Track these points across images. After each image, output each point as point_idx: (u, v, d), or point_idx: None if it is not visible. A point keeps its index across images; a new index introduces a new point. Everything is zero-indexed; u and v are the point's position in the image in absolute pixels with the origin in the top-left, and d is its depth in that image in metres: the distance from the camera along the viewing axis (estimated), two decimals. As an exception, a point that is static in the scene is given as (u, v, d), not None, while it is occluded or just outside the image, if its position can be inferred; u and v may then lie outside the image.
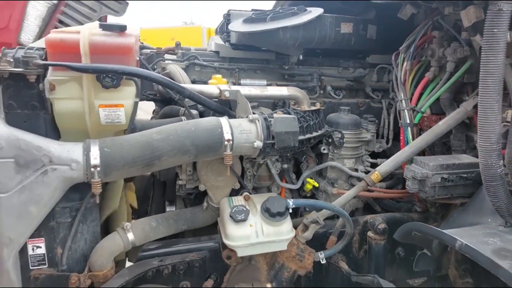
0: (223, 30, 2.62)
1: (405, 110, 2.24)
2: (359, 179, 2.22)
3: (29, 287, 1.71)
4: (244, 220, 1.78)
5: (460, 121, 2.11)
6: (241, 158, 2.10)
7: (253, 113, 1.87)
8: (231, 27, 2.43)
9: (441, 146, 2.32)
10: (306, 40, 2.33)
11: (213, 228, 2.13)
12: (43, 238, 1.70)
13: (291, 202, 1.84)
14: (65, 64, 1.52)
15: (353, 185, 2.25)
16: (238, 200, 1.93)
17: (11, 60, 1.52)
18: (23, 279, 1.69)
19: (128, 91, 1.66)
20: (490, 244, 1.43)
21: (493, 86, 1.45)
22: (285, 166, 2.28)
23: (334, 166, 2.34)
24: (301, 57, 2.61)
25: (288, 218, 1.85)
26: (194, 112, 2.03)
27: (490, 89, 1.46)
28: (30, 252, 1.69)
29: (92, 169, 1.56)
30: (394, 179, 2.45)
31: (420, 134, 2.17)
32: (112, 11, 3.18)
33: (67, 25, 3.05)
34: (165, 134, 1.68)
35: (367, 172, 2.25)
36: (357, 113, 2.53)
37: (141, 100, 1.73)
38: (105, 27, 1.61)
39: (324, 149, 2.34)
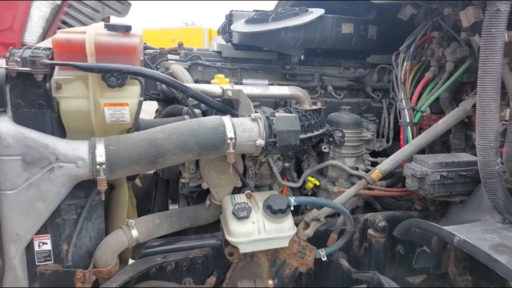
0: (225, 30, 2.64)
1: (405, 109, 2.27)
2: (360, 177, 2.25)
3: (35, 282, 1.74)
4: (246, 217, 1.81)
5: (459, 120, 2.14)
6: (243, 156, 2.12)
7: (255, 112, 1.89)
8: (234, 27, 2.46)
9: (441, 145, 2.35)
10: (307, 40, 2.36)
11: (215, 226, 2.14)
12: (49, 235, 1.73)
13: (292, 200, 1.86)
14: (72, 64, 1.54)
15: (353, 184, 2.27)
16: (241, 197, 1.95)
17: (19, 59, 1.54)
18: (29, 274, 1.72)
19: (133, 90, 1.68)
20: (488, 240, 1.45)
21: (491, 85, 1.48)
22: (287, 164, 2.31)
23: (335, 165, 2.37)
24: (302, 57, 2.64)
25: (290, 216, 1.88)
26: (197, 111, 2.06)
27: (488, 87, 1.48)
28: (36, 248, 1.72)
29: (97, 166, 1.59)
30: (394, 177, 2.47)
31: (420, 133, 2.20)
32: (115, 11, 3.21)
33: (70, 25, 3.08)
34: (169, 132, 1.70)
35: (367, 171, 2.28)
36: (357, 112, 2.55)
37: (144, 100, 1.75)
38: (110, 27, 1.64)
39: (325, 148, 2.36)
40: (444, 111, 2.26)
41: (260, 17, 2.39)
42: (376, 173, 2.07)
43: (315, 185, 2.38)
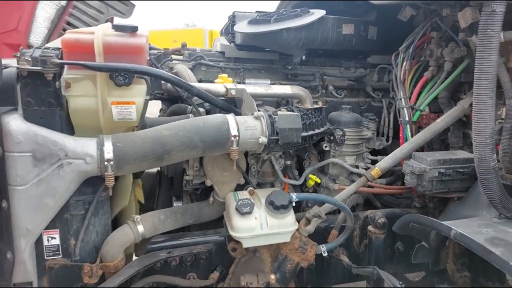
0: (228, 31, 2.69)
1: (404, 108, 2.31)
2: (360, 175, 2.29)
3: (44, 276, 1.78)
4: (249, 212, 1.85)
5: (457, 118, 2.17)
6: (246, 154, 2.17)
7: (258, 111, 1.94)
8: (236, 28, 2.50)
9: (439, 143, 2.39)
10: (308, 41, 2.39)
11: (218, 223, 2.18)
12: (57, 230, 1.77)
13: (294, 196, 1.90)
14: (81, 63, 1.59)
15: (354, 181, 2.30)
16: (243, 194, 1.99)
17: (29, 59, 1.59)
18: (38, 268, 1.76)
19: (139, 89, 1.73)
20: (484, 234, 1.50)
21: (487, 83, 1.52)
22: (288, 162, 2.35)
23: (335, 163, 2.41)
24: (304, 57, 2.68)
25: (291, 211, 1.92)
26: (201, 110, 2.10)
27: (484, 86, 1.53)
28: (45, 242, 1.76)
29: (105, 163, 1.64)
30: (394, 175, 2.50)
31: (418, 132, 2.23)
32: (119, 13, 3.26)
33: (75, 26, 3.12)
34: (174, 130, 1.75)
35: (367, 169, 2.31)
36: (358, 112, 2.58)
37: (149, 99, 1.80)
38: (118, 28, 1.68)
39: (326, 147, 2.40)
40: (442, 110, 2.30)
41: (263, 18, 2.43)
42: (376, 170, 2.11)
43: (316, 182, 2.42)
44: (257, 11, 2.73)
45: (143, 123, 1.84)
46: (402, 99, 2.33)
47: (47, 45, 1.77)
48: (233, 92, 2.06)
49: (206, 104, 2.17)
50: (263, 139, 1.85)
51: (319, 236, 2.12)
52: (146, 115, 1.88)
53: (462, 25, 1.87)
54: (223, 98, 2.09)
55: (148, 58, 1.94)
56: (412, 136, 2.25)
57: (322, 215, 2.00)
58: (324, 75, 2.67)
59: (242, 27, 2.49)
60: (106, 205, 1.89)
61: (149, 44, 2.64)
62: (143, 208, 2.44)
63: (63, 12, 3.18)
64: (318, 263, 2.21)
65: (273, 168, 2.31)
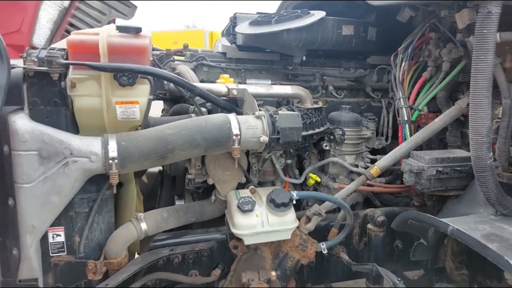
0: (229, 32, 2.72)
1: (403, 108, 2.34)
2: (360, 174, 2.32)
3: (49, 272, 1.81)
4: (250, 210, 1.88)
5: (455, 118, 2.21)
6: (247, 153, 2.19)
7: (259, 110, 1.97)
8: (238, 29, 2.53)
9: (438, 142, 2.43)
10: (309, 42, 2.43)
11: (220, 221, 2.21)
12: (62, 227, 1.79)
13: (294, 194, 1.93)
14: (86, 63, 1.62)
15: (353, 180, 2.32)
16: (245, 192, 2.01)
17: (35, 59, 1.62)
18: (43, 265, 1.78)
19: (143, 89, 1.76)
20: (480, 230, 1.53)
21: (483, 83, 1.55)
22: (289, 161, 2.37)
23: (335, 162, 2.44)
24: (304, 58, 2.70)
25: (292, 209, 1.95)
26: (203, 110, 2.13)
27: (480, 86, 1.56)
28: (50, 239, 1.78)
29: (110, 161, 1.67)
30: (393, 174, 2.53)
31: (417, 131, 2.27)
32: (121, 14, 3.29)
33: (77, 28, 3.15)
34: (177, 129, 1.78)
35: (367, 168, 2.34)
36: (357, 111, 2.61)
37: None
38: (122, 29, 1.71)
39: (326, 146, 2.43)
40: (440, 109, 2.34)
41: (263, 19, 2.46)
42: (375, 169, 2.14)
43: (316, 181, 2.44)
44: (258, 13, 2.75)
45: (146, 123, 1.86)
46: (401, 99, 2.36)
47: (52, 46, 1.81)
48: (234, 92, 2.09)
49: (208, 104, 2.19)
50: (264, 138, 1.88)
51: (319, 234, 2.15)
52: (149, 115, 1.91)
53: (460, 26, 1.89)
54: (225, 98, 2.12)
55: (151, 58, 1.97)
56: (410, 135, 2.28)
57: (322, 213, 2.02)
58: (324, 75, 2.69)
59: (243, 28, 2.52)
60: (110, 203, 1.92)
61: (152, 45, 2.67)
62: (145, 207, 2.47)
63: (66, 14, 3.21)
64: (318, 261, 2.24)
65: (274, 167, 2.33)
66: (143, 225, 1.93)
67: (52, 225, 1.76)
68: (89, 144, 1.69)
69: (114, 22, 3.22)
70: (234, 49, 2.65)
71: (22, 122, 1.62)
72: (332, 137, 2.37)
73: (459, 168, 2.00)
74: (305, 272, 2.29)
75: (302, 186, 2.51)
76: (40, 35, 3.19)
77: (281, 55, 2.67)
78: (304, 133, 2.02)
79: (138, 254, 2.20)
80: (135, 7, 3.32)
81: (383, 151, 2.53)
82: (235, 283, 2.08)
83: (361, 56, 2.86)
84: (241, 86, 2.14)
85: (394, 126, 2.60)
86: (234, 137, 1.83)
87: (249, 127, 1.88)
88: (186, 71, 2.31)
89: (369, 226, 2.26)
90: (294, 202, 1.95)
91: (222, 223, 2.18)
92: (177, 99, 2.41)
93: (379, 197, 2.57)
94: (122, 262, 1.89)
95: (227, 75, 2.33)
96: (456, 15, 1.90)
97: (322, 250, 2.08)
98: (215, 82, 2.27)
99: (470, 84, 1.60)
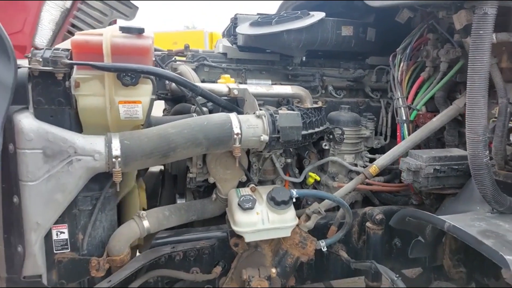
0: (230, 33, 2.74)
1: (402, 108, 2.36)
2: (359, 173, 2.34)
3: (53, 269, 1.83)
4: (251, 208, 1.91)
5: (452, 117, 2.24)
6: (248, 152, 2.22)
7: (260, 110, 2.00)
8: (238, 30, 2.55)
9: (436, 141, 2.45)
10: (309, 42, 2.45)
11: (221, 219, 2.23)
12: (66, 224, 1.82)
13: (294, 192, 1.96)
14: (90, 63, 1.66)
15: (352, 179, 2.36)
16: (245, 191, 2.04)
17: (40, 59, 1.65)
18: (47, 262, 1.81)
19: (146, 89, 1.79)
20: (477, 227, 1.56)
21: (480, 83, 1.58)
22: (289, 160, 2.40)
23: (335, 161, 2.46)
24: (304, 58, 2.73)
25: (292, 207, 1.97)
26: (204, 109, 2.16)
27: (477, 85, 1.59)
28: (54, 237, 1.81)
29: (113, 159, 1.70)
30: (392, 174, 2.56)
31: (415, 130, 2.29)
32: (122, 15, 3.31)
33: (79, 28, 3.17)
34: (179, 128, 1.81)
35: (366, 167, 2.37)
36: (357, 111, 2.63)
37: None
38: (125, 29, 1.74)
39: (325, 145, 2.45)
40: (438, 109, 2.36)
41: (264, 20, 2.48)
42: (373, 168, 2.17)
43: (316, 180, 2.47)
44: (258, 14, 2.78)
45: (148, 122, 1.89)
46: (400, 99, 2.39)
47: (56, 46, 1.83)
48: (235, 92, 2.12)
49: (209, 104, 2.22)
50: (265, 137, 1.91)
51: (319, 232, 2.17)
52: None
53: (457, 27, 1.92)
54: (226, 97, 2.14)
55: (154, 59, 2.00)
56: (409, 134, 2.30)
57: (321, 211, 2.06)
58: (323, 75, 2.71)
59: (244, 29, 2.54)
60: (113, 201, 1.95)
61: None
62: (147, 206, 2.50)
63: (68, 14, 3.24)
64: (318, 259, 2.26)
65: (274, 166, 2.36)
66: (145, 223, 1.96)
67: (56, 222, 1.79)
68: (93, 143, 1.72)
69: (115, 23, 3.26)
70: (234, 49, 2.67)
71: (27, 121, 1.65)
72: (331, 136, 2.39)
73: (456, 167, 2.02)
74: (304, 269, 2.31)
75: (302, 185, 2.53)
76: (42, 36, 3.22)
77: (281, 56, 2.69)
78: (304, 132, 2.05)
79: (139, 252, 2.23)
80: (136, 8, 3.35)
81: (382, 150, 2.55)
82: (236, 280, 2.11)
83: (360, 57, 2.88)
84: (242, 86, 2.17)
85: (392, 125, 2.63)
86: (235, 136, 1.86)
87: (250, 126, 1.91)
88: (187, 71, 2.34)
89: (368, 224, 2.28)
90: (294, 200, 1.98)
91: (223, 221, 2.20)
92: (178, 99, 2.43)
93: (377, 196, 2.60)
94: (125, 259, 1.91)
95: (228, 75, 2.36)
96: (454, 16, 1.92)
97: (322, 248, 2.10)
98: (216, 82, 2.30)
99: (467, 84, 1.63)
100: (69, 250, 1.85)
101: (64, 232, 1.83)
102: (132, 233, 1.94)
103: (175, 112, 2.32)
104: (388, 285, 2.05)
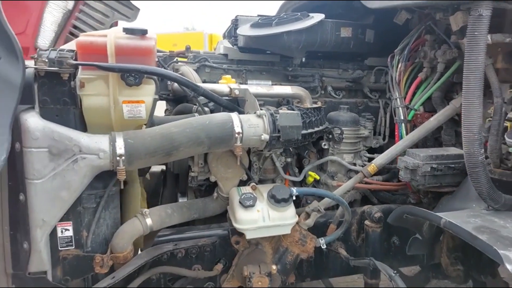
0: (231, 34, 2.78)
1: (400, 108, 2.40)
2: (357, 172, 2.36)
3: (58, 265, 1.87)
4: (252, 205, 1.94)
5: (449, 117, 2.27)
6: (248, 152, 2.25)
7: (261, 109, 2.03)
8: (239, 31, 2.59)
9: (433, 141, 2.49)
10: (308, 44, 2.49)
11: (222, 217, 2.26)
12: (71, 222, 1.85)
13: (294, 190, 1.99)
14: (95, 64, 1.69)
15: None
16: (246, 189, 2.07)
17: (46, 60, 1.68)
18: (52, 258, 1.84)
19: (149, 89, 1.83)
20: (472, 223, 1.59)
21: (475, 83, 1.62)
22: (289, 160, 2.44)
23: (334, 160, 2.50)
24: (303, 59, 2.76)
25: (292, 205, 2.00)
26: (206, 109, 2.20)
27: (472, 85, 1.63)
28: (59, 234, 1.84)
29: (117, 158, 1.73)
30: (390, 173, 2.58)
31: (413, 130, 2.32)
32: (124, 17, 3.33)
33: (81, 30, 3.20)
34: (182, 127, 1.84)
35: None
36: (355, 112, 2.66)
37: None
38: (128, 31, 1.77)
39: (324, 145, 2.49)
40: (436, 109, 2.40)
41: (264, 21, 2.52)
42: (372, 166, 2.21)
43: (315, 179, 2.50)
44: (258, 15, 2.82)
45: (151, 121, 1.92)
46: (398, 99, 2.43)
47: (61, 47, 1.87)
48: (236, 92, 2.15)
49: (211, 104, 2.26)
50: (265, 136, 1.94)
51: (318, 230, 2.20)
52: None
53: (454, 28, 1.95)
54: (227, 97, 2.18)
55: (156, 59, 2.04)
56: (407, 134, 2.34)
57: (321, 210, 2.08)
58: (323, 76, 2.75)
59: (244, 30, 2.58)
60: (116, 199, 1.98)
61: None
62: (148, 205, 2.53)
63: (70, 16, 3.26)
64: (317, 256, 2.28)
65: (274, 165, 2.39)
66: (148, 221, 1.98)
67: (61, 220, 1.82)
68: (97, 142, 1.75)
69: (116, 25, 3.29)
70: (235, 50, 2.71)
71: (33, 120, 1.68)
72: (330, 136, 2.43)
73: (453, 165, 2.06)
74: (304, 267, 2.34)
75: (302, 184, 2.55)
76: (45, 37, 3.24)
77: (281, 57, 2.72)
78: (304, 131, 2.08)
79: (141, 250, 2.26)
80: (138, 9, 3.37)
81: (381, 150, 2.58)
82: (237, 277, 2.13)
83: (359, 58, 2.91)
84: (243, 86, 2.21)
85: (391, 125, 2.66)
86: (237, 135, 1.90)
87: (251, 125, 1.94)
88: (189, 72, 2.37)
89: (367, 222, 2.31)
90: (294, 198, 2.01)
91: (224, 220, 2.23)
92: (179, 99, 2.47)
93: (376, 194, 2.63)
94: (128, 256, 1.94)
95: (229, 76, 2.39)
96: (451, 18, 1.96)
97: (321, 245, 2.13)
98: (217, 83, 2.34)
99: (463, 84, 1.66)
100: (73, 247, 1.88)
101: (68, 230, 1.86)
102: (135, 231, 1.97)
103: (177, 112, 2.36)
104: (387, 283, 2.08)
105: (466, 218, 1.65)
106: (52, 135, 1.70)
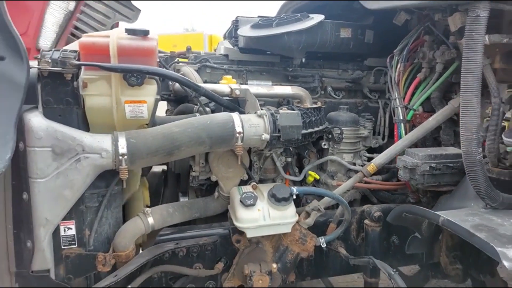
0: (231, 35, 2.80)
1: (399, 108, 2.42)
2: (357, 172, 2.38)
3: (60, 264, 1.88)
4: (252, 204, 1.96)
5: (448, 117, 2.29)
6: (249, 151, 2.27)
7: (261, 109, 2.05)
8: (240, 32, 2.61)
9: (432, 141, 2.50)
10: (308, 44, 2.51)
11: (223, 217, 2.28)
12: (73, 221, 1.87)
13: (294, 189, 2.01)
14: (97, 64, 1.71)
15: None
16: (247, 188, 2.08)
17: (49, 60, 1.70)
18: (55, 257, 1.86)
19: (151, 89, 1.84)
20: (470, 221, 1.61)
21: (473, 83, 1.64)
22: (289, 159, 2.45)
23: (334, 160, 2.51)
24: (303, 60, 2.78)
25: (292, 204, 2.02)
26: (207, 109, 2.21)
27: (470, 85, 1.65)
28: (62, 233, 1.86)
29: (120, 157, 1.75)
30: (390, 172, 2.60)
31: (412, 130, 2.34)
32: (125, 18, 3.35)
33: (83, 31, 3.21)
34: (183, 127, 1.86)
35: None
36: (355, 112, 2.67)
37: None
38: (131, 31, 1.79)
39: (324, 145, 2.50)
40: (434, 109, 2.42)
41: (265, 22, 2.54)
42: (371, 166, 2.23)
43: (315, 179, 2.52)
44: (259, 16, 2.83)
45: (153, 121, 1.94)
46: (397, 99, 2.45)
47: (64, 48, 1.89)
48: (237, 92, 2.17)
49: (212, 104, 2.27)
50: (266, 136, 1.96)
51: (318, 229, 2.21)
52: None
53: (452, 29, 1.97)
54: (228, 98, 2.20)
55: (158, 60, 2.06)
56: (406, 134, 2.36)
57: (321, 209, 2.10)
58: (323, 76, 2.76)
59: (245, 31, 2.60)
60: (118, 198, 2.00)
61: (157, 47, 2.75)
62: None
63: (71, 17, 3.27)
64: (317, 255, 2.30)
65: (274, 165, 2.41)
66: (150, 220, 2.00)
67: (64, 218, 1.83)
68: (100, 141, 1.77)
69: (117, 26, 3.31)
70: (236, 51, 2.73)
71: (36, 120, 1.70)
72: (330, 136, 2.45)
73: (452, 165, 2.08)
74: (304, 266, 2.35)
75: (302, 184, 2.56)
76: (46, 38, 3.25)
77: (282, 57, 2.74)
78: (304, 131, 2.10)
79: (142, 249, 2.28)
80: (139, 10, 3.38)
81: (380, 149, 2.58)
82: (238, 276, 2.15)
83: (359, 58, 2.93)
84: (244, 87, 2.22)
85: (390, 125, 2.67)
86: (237, 134, 1.91)
87: (252, 125, 1.96)
88: (190, 72, 2.39)
89: (366, 221, 2.32)
90: (294, 197, 2.03)
91: (225, 219, 2.24)
92: (180, 99, 2.48)
93: (375, 194, 2.64)
94: (130, 255, 1.96)
95: (230, 76, 2.41)
96: (449, 19, 1.97)
97: (321, 244, 2.15)
98: (218, 83, 2.35)
99: (461, 84, 1.68)
100: (76, 245, 1.90)
101: (71, 228, 1.88)
102: (137, 230, 1.99)
103: (178, 112, 2.37)
104: (386, 282, 2.09)
105: (464, 216, 1.67)
106: (56, 134, 1.71)
